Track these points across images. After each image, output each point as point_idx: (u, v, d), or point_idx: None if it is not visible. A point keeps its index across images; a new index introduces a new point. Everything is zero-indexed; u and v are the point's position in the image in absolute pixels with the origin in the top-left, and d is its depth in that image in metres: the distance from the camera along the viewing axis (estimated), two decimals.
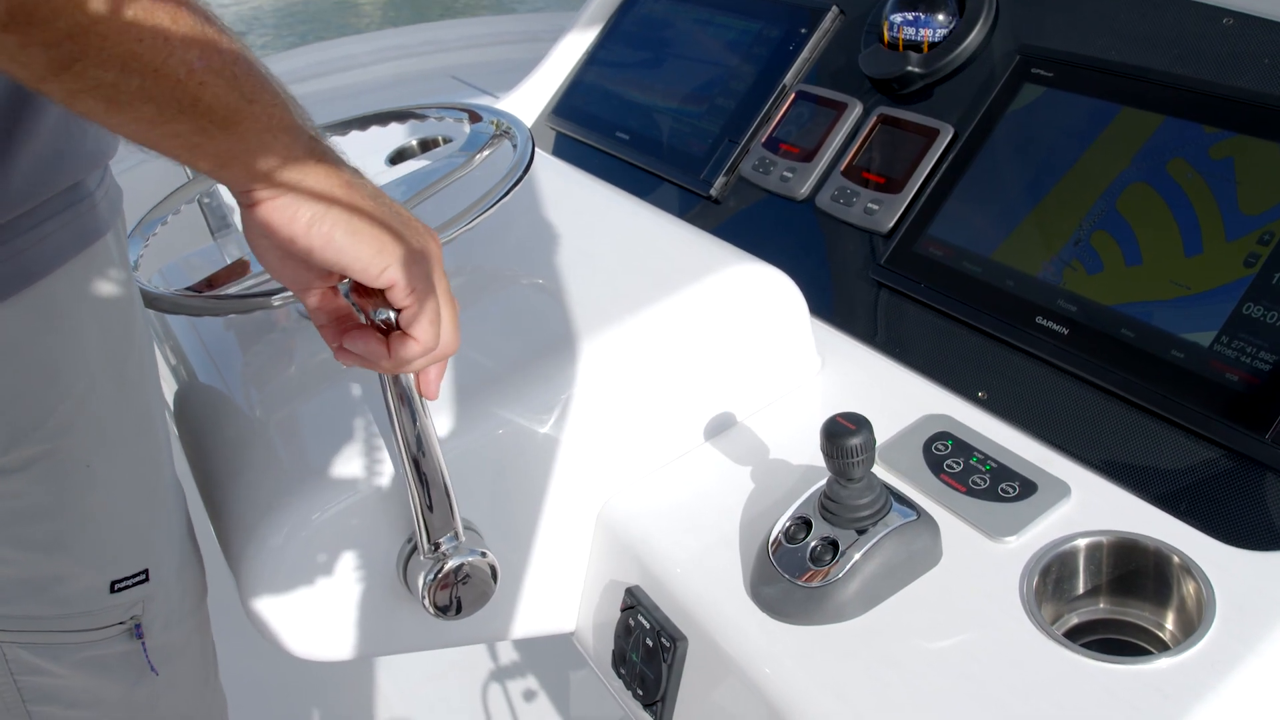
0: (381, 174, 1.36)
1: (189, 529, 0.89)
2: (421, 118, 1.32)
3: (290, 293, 0.89)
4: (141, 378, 0.75)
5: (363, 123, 1.30)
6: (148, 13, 0.54)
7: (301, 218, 0.63)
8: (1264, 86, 0.98)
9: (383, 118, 1.30)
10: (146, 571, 0.75)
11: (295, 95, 0.64)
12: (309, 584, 0.87)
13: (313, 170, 0.63)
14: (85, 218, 0.68)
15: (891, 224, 1.16)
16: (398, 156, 1.55)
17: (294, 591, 0.87)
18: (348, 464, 0.88)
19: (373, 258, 0.66)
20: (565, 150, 1.59)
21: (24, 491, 0.67)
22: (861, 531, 0.82)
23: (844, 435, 0.80)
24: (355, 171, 0.67)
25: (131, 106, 0.55)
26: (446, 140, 1.55)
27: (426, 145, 1.56)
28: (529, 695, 1.49)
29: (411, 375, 0.78)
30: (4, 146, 0.64)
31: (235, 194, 0.65)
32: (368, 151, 1.54)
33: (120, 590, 0.73)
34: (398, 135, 1.55)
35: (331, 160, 0.66)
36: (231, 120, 0.59)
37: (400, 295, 0.68)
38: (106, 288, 0.71)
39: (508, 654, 1.55)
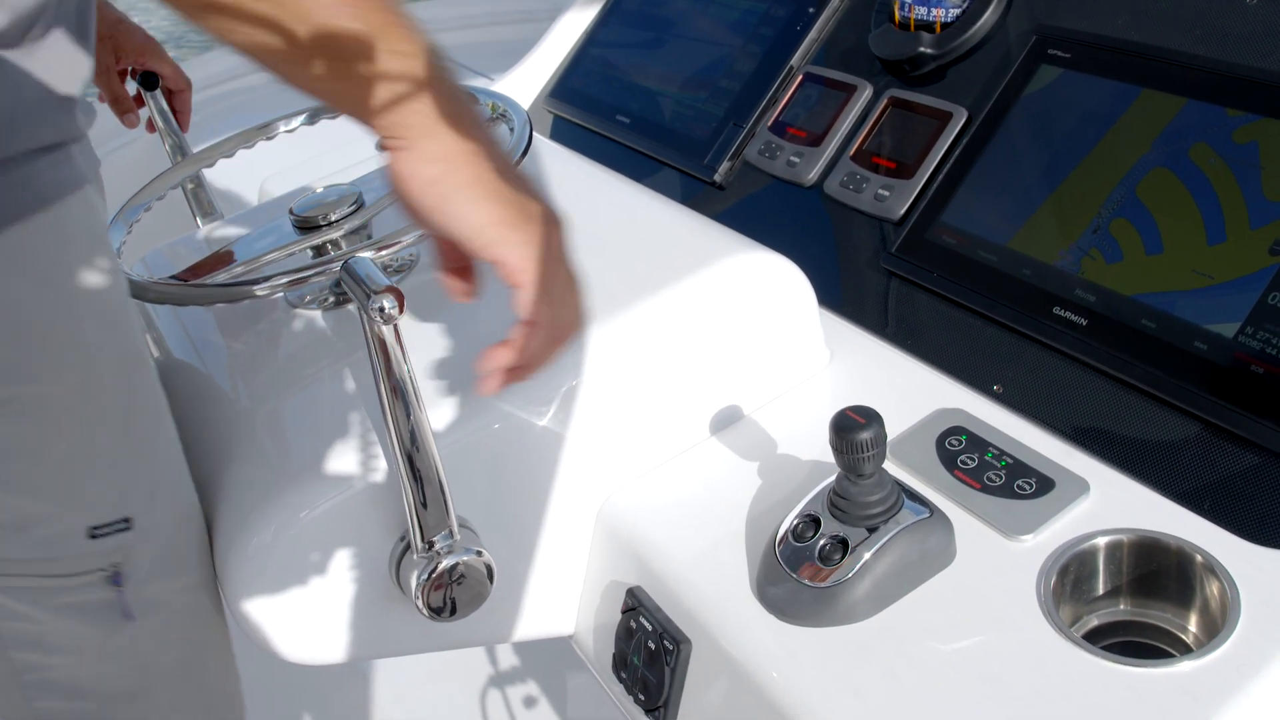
0: (373, 159, 1.35)
1: (193, 488, 0.89)
2: None
3: (278, 281, 0.90)
4: (129, 329, 0.77)
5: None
6: None
7: (424, 173, 0.66)
8: None
9: None
10: (129, 520, 0.77)
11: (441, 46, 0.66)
12: (298, 584, 0.87)
13: (446, 131, 0.65)
14: (62, 167, 0.70)
15: (903, 211, 1.16)
16: None
17: (282, 592, 0.86)
18: (338, 459, 0.88)
19: (484, 230, 0.68)
20: (563, 134, 1.58)
21: (1, 432, 0.69)
22: (872, 529, 0.81)
23: (854, 429, 0.79)
24: (492, 139, 0.69)
25: (269, 46, 0.59)
26: None
27: None
28: (529, 701, 1.48)
29: (405, 367, 0.77)
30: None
31: (373, 132, 0.67)
32: (357, 136, 1.53)
33: (99, 537, 0.75)
34: None
35: (468, 121, 0.67)
36: (364, 60, 0.61)
37: (509, 273, 0.70)
38: (89, 236, 0.72)
39: (506, 657, 1.54)
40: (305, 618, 0.88)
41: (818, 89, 1.30)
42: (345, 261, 0.77)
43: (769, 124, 1.33)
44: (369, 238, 1.03)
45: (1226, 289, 0.93)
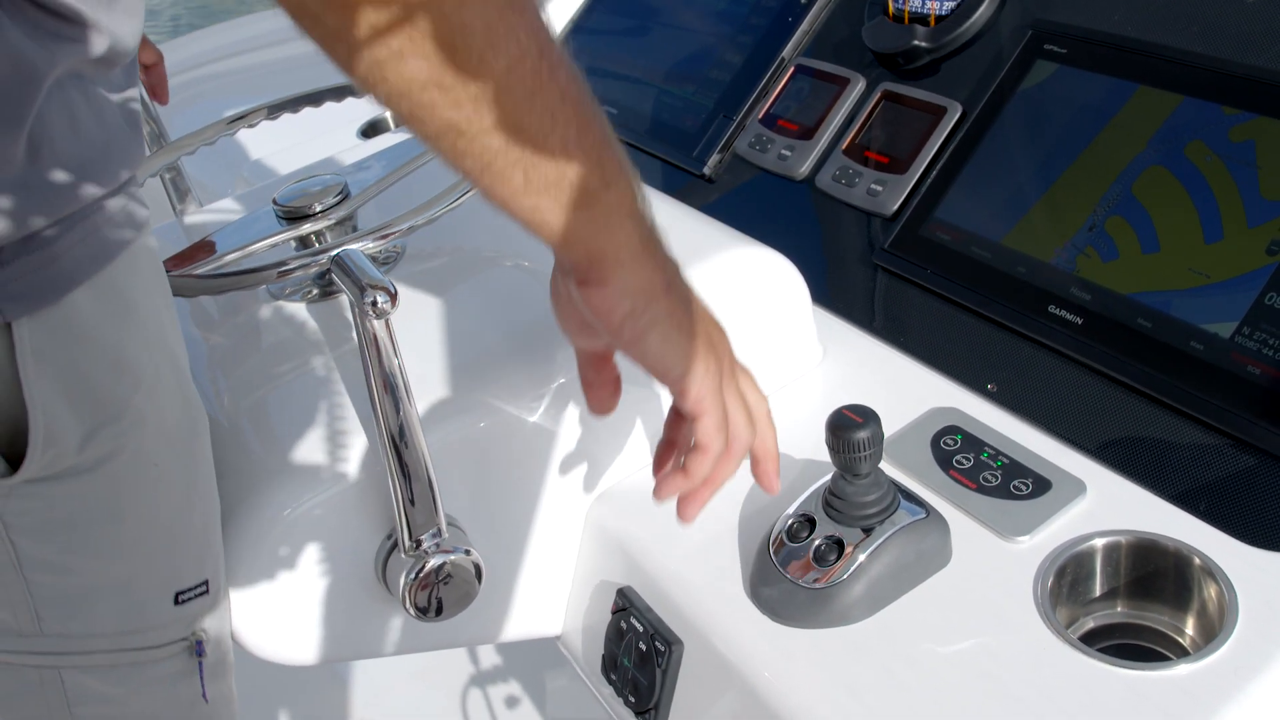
0: (355, 149, 1.35)
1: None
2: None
3: (265, 272, 0.89)
4: (187, 370, 0.73)
5: (337, 93, 1.29)
6: (545, 84, 0.58)
7: (621, 308, 0.67)
8: None
9: (337, 92, 1.29)
10: (206, 583, 0.73)
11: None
12: (280, 583, 0.86)
13: (644, 263, 0.67)
14: (136, 200, 0.67)
15: (896, 206, 1.16)
16: (370, 129, 1.54)
17: (264, 592, 0.86)
18: (322, 455, 0.87)
19: (675, 365, 0.70)
20: None
21: (92, 493, 0.65)
22: (868, 530, 0.82)
23: (851, 429, 0.79)
24: (675, 268, 0.71)
25: (505, 174, 0.60)
26: None
27: None
28: (511, 701, 1.48)
29: (396, 362, 0.77)
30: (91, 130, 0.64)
31: (562, 263, 0.69)
32: (339, 124, 1.53)
33: (184, 603, 0.71)
34: (372, 107, 1.54)
35: (661, 253, 0.69)
36: (587, 202, 0.63)
37: (690, 403, 0.72)
38: (157, 274, 0.70)
39: (488, 656, 1.54)
40: (287, 618, 0.88)
41: (809, 81, 1.30)
42: (336, 253, 0.77)
43: (760, 116, 1.33)
44: (354, 228, 1.02)
45: (1223, 288, 0.93)
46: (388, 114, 1.55)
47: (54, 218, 0.60)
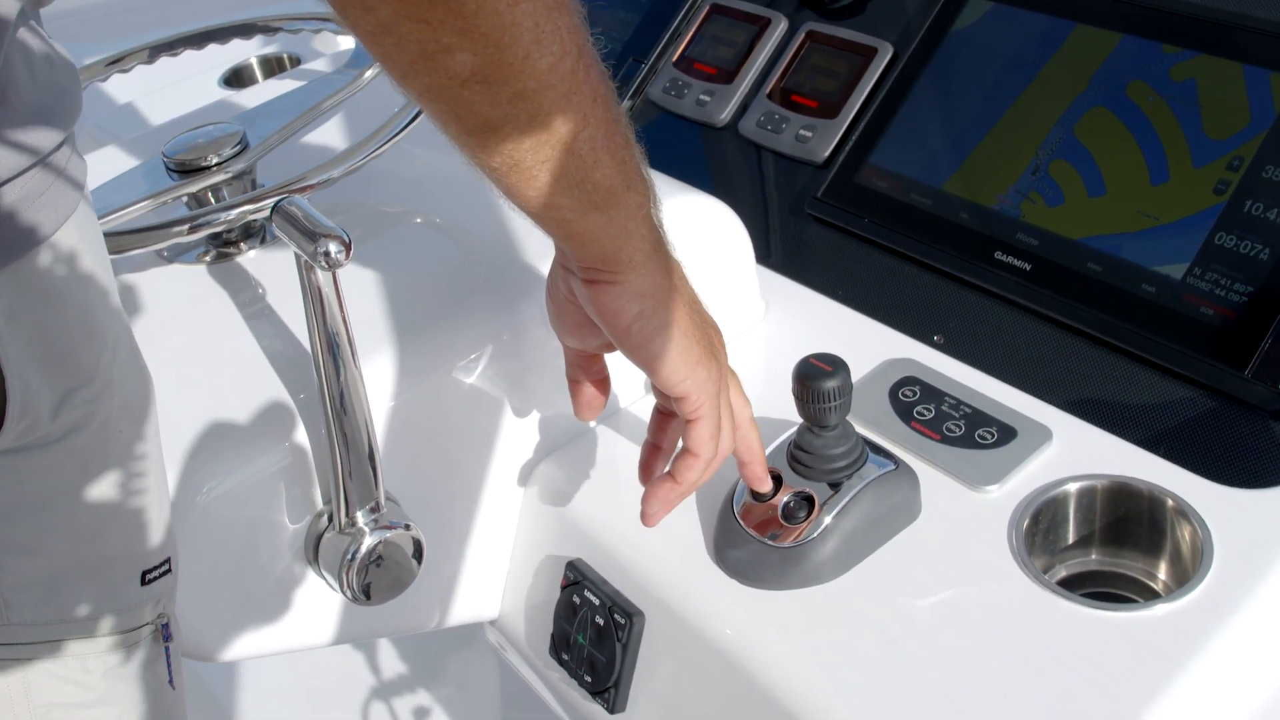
0: (232, 97, 1.33)
1: None
2: (273, 31, 1.30)
3: (173, 229, 0.88)
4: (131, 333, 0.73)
5: (200, 39, 1.27)
6: (580, 85, 0.62)
7: (630, 310, 0.72)
8: (1224, 3, 1.05)
9: (225, 33, 1.27)
10: (169, 560, 0.73)
11: None
12: (197, 571, 0.86)
13: (655, 266, 0.72)
14: (77, 152, 0.66)
15: (827, 152, 1.20)
16: (234, 78, 1.51)
17: (181, 581, 0.85)
18: (241, 429, 0.87)
19: (677, 369, 0.75)
20: None
21: (62, 465, 0.64)
22: (836, 485, 0.85)
23: (819, 378, 0.83)
24: (680, 269, 0.76)
25: (531, 172, 0.64)
26: (295, 60, 1.52)
27: (270, 66, 1.52)
28: (420, 713, 1.48)
29: (341, 319, 0.78)
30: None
31: (571, 262, 0.73)
32: (196, 72, 1.50)
33: (150, 582, 0.71)
34: (235, 53, 1.51)
35: (670, 258, 0.74)
36: (608, 203, 0.67)
37: (689, 408, 0.77)
38: (100, 232, 0.69)
39: (389, 663, 1.53)
40: (208, 609, 0.87)
41: (726, 22, 1.34)
42: (278, 202, 0.77)
43: (674, 59, 1.36)
44: (254, 183, 1.02)
45: (1172, 230, 1.00)
46: (253, 61, 1.52)
47: (19, 168, 0.59)
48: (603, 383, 0.86)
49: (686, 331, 0.75)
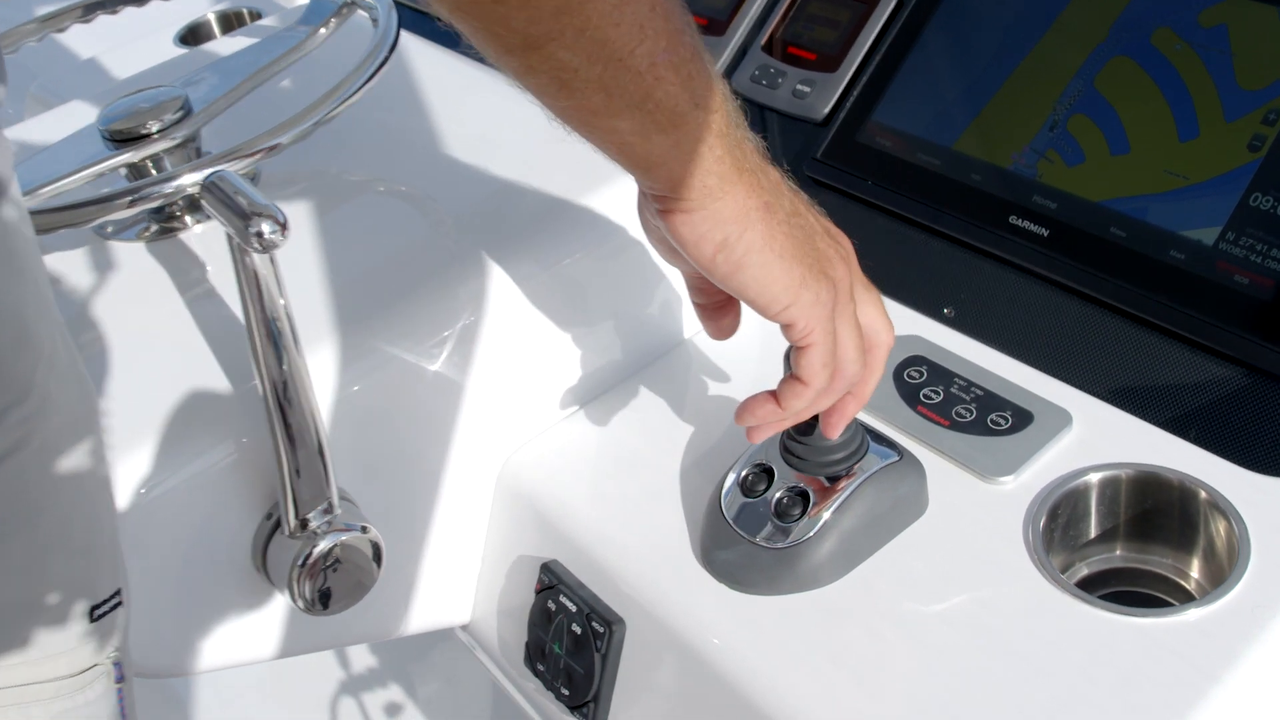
0: (185, 58, 1.28)
1: None
2: None
3: (110, 205, 0.84)
4: (73, 341, 0.68)
5: None
6: None
7: (713, 238, 0.68)
8: None
9: None
10: (119, 591, 0.67)
11: None
12: (137, 581, 0.82)
13: (737, 188, 0.67)
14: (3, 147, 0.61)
15: (828, 109, 1.16)
16: (190, 35, 1.47)
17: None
18: (181, 425, 0.83)
19: (777, 295, 0.70)
20: (418, 26, 1.52)
21: (3, 492, 0.59)
22: (834, 479, 0.81)
23: None
24: (775, 183, 0.71)
25: (582, 93, 0.61)
26: (255, 15, 1.48)
27: (229, 21, 1.48)
28: (391, 709, 1.46)
29: (280, 303, 0.73)
30: None
31: (646, 191, 0.69)
32: (150, 29, 1.46)
33: (99, 618, 0.65)
34: (190, 9, 1.47)
35: (757, 173, 0.69)
36: (674, 124, 0.63)
37: (796, 335, 0.72)
38: (29, 225, 0.64)
39: (360, 658, 1.51)
40: (150, 623, 0.83)
41: None
42: (209, 175, 0.72)
43: None
44: (199, 151, 0.97)
45: (1203, 190, 0.95)
46: (210, 17, 1.47)
47: None
48: (730, 299, 0.80)
49: (784, 253, 0.69)
